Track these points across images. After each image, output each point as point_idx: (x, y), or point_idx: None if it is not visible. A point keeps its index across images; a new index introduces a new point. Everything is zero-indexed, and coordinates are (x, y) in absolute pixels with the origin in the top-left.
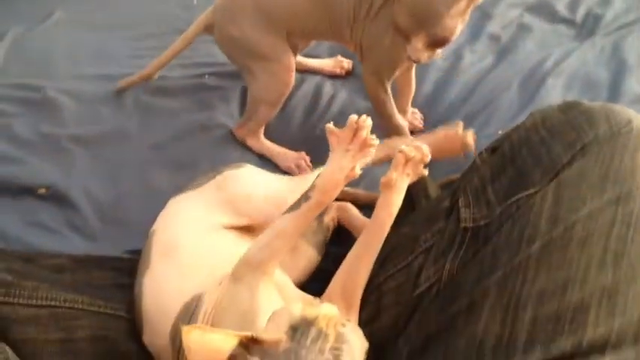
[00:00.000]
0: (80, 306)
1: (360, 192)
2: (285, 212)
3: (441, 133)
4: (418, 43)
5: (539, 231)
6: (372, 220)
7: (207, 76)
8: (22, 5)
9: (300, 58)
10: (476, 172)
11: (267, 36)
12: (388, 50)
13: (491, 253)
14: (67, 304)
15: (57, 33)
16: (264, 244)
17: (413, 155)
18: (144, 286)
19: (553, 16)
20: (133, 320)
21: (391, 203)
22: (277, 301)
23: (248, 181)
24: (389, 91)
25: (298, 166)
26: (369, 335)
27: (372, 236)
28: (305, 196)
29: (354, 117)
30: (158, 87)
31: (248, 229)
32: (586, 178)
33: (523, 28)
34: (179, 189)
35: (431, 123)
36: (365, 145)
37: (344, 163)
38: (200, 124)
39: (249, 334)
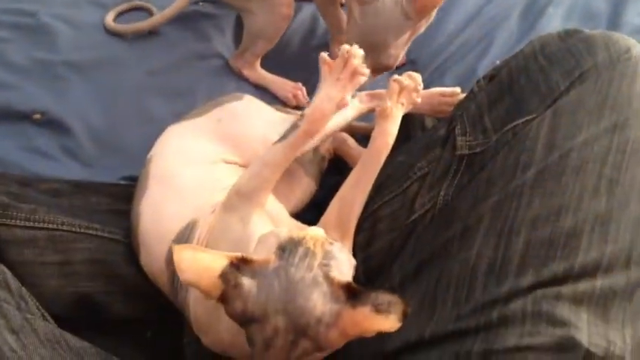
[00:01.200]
0: (78, 229)
1: (356, 123)
2: (275, 142)
3: (436, 91)
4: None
5: (534, 157)
6: (367, 149)
7: (201, 4)
8: None
9: None
10: (473, 100)
11: None
12: None
13: (487, 180)
14: (64, 227)
15: None
16: (254, 174)
17: (407, 84)
18: (141, 210)
19: None
20: (129, 244)
21: (387, 132)
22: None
23: (247, 119)
24: None
25: (295, 96)
26: (363, 260)
27: (368, 165)
28: (294, 125)
29: (345, 46)
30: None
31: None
32: (583, 106)
33: None
34: (177, 117)
35: (430, 51)
36: (355, 74)
37: (334, 93)
38: (196, 52)
39: (239, 254)
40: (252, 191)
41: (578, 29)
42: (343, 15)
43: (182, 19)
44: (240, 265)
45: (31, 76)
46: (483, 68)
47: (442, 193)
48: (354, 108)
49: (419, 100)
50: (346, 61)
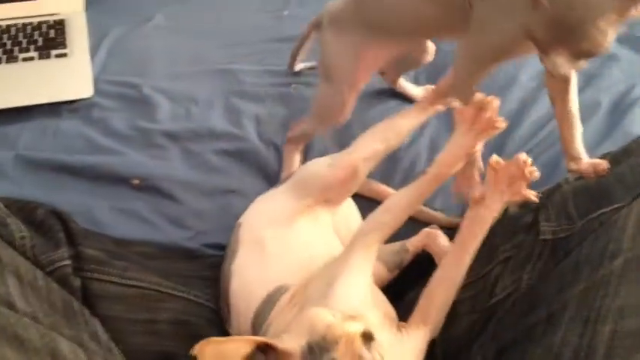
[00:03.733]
0: (165, 290)
1: (441, 216)
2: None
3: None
4: (558, 58)
5: (622, 247)
6: (455, 241)
7: (293, 87)
8: (125, 7)
9: (402, 81)
10: (558, 190)
11: (350, 61)
12: (502, 38)
13: (573, 266)
14: (153, 287)
15: (155, 35)
16: (372, 219)
17: (510, 170)
18: (232, 274)
19: None
20: (214, 309)
21: (476, 221)
22: (365, 280)
23: (312, 164)
24: (473, 86)
25: None
26: (442, 341)
27: (455, 257)
28: (423, 172)
29: (480, 95)
30: (246, 92)
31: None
32: None
33: (610, 57)
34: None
35: (517, 138)
36: (489, 126)
37: (465, 141)
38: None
39: (264, 339)
40: (368, 233)
41: None
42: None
43: (274, 99)
44: (267, 349)
45: (132, 144)
46: None
47: (525, 277)
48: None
49: (533, 196)
50: (480, 112)
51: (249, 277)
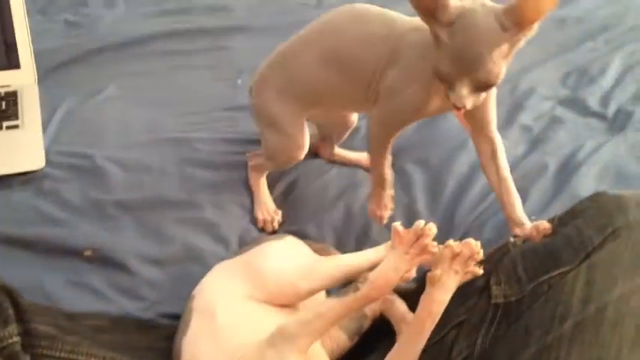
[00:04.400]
0: None
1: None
2: (334, 297)
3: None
4: (462, 89)
5: (571, 310)
6: (413, 318)
7: (248, 154)
8: (78, 79)
9: (338, 150)
10: (507, 254)
11: (287, 110)
12: (408, 101)
13: (524, 330)
14: None
15: (108, 106)
16: (305, 321)
17: (459, 251)
18: (182, 351)
19: (585, 110)
20: None
21: (433, 300)
22: None
23: (274, 260)
24: (388, 145)
25: (264, 220)
26: None
27: (410, 337)
28: (355, 288)
29: (420, 222)
30: (201, 160)
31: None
32: (617, 262)
33: (555, 120)
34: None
35: (467, 203)
36: (425, 252)
37: (400, 264)
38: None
39: None
40: (298, 336)
41: (607, 191)
42: None
43: (230, 166)
44: None
45: (84, 215)
46: None
47: (479, 341)
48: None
49: (480, 271)
50: (418, 237)
51: (200, 352)
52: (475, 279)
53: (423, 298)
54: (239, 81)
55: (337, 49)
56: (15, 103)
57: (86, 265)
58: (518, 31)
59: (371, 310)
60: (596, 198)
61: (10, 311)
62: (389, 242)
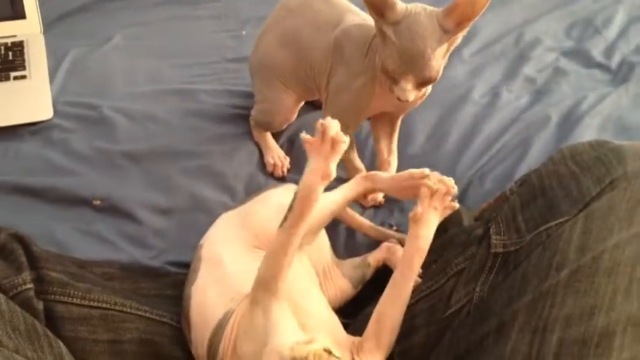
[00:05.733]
0: (128, 310)
1: (395, 234)
2: (278, 227)
3: (405, 174)
4: (407, 85)
5: (567, 258)
6: (402, 256)
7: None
8: (83, 29)
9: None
10: (506, 203)
11: (265, 81)
12: (355, 95)
13: (521, 278)
14: (116, 307)
15: (114, 56)
16: (266, 264)
17: (437, 188)
18: (192, 297)
19: (589, 62)
20: (177, 327)
21: (419, 236)
22: (291, 325)
23: (271, 208)
24: (352, 137)
25: (274, 165)
26: (400, 353)
27: (402, 274)
28: (289, 207)
29: (320, 121)
30: (206, 111)
31: None
32: (614, 211)
33: (559, 72)
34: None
35: (470, 154)
36: (335, 143)
37: (317, 165)
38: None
39: None
40: (268, 282)
41: (608, 140)
42: None
43: (234, 119)
44: None
45: (92, 165)
46: (521, 173)
47: (478, 289)
48: (346, 187)
49: (456, 205)
50: (323, 134)
51: (208, 298)
52: (475, 228)
53: (409, 236)
54: (244, 32)
55: (294, 31)
56: (22, 53)
57: (95, 214)
58: (457, 31)
59: (374, 259)
60: (596, 146)
61: (23, 258)
62: (358, 175)
